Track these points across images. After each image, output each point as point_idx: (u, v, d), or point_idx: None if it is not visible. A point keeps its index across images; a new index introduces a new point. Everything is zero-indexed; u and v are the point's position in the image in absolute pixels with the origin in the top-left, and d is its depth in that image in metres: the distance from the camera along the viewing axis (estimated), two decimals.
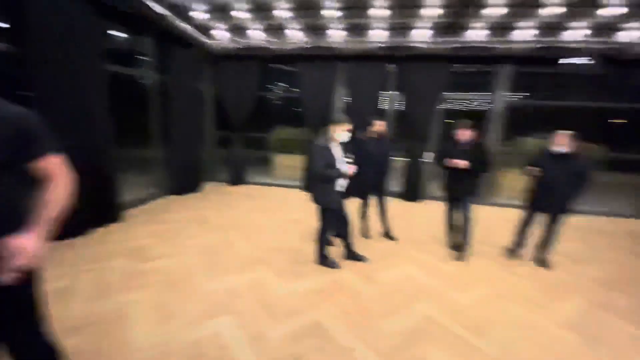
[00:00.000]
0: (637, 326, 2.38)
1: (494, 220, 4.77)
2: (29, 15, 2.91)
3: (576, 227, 4.46)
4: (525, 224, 3.37)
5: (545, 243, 3.29)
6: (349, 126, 2.79)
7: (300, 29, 5.19)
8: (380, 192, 3.74)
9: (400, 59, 5.31)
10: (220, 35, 5.61)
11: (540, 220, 3.27)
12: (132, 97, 5.39)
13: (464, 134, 3.17)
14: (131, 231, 3.73)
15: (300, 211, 4.79)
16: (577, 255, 3.63)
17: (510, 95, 5.44)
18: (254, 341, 2.00)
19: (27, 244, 0.88)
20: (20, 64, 2.99)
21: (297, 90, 5.89)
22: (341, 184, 2.83)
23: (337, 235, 3.23)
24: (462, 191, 3.26)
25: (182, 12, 4.77)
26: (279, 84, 9.55)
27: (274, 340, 2.02)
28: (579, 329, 2.29)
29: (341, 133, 2.76)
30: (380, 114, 4.90)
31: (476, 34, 4.87)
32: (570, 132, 2.99)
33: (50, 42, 3.07)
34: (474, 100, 15.29)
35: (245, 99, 5.95)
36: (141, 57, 4.90)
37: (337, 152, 2.79)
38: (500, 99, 5.40)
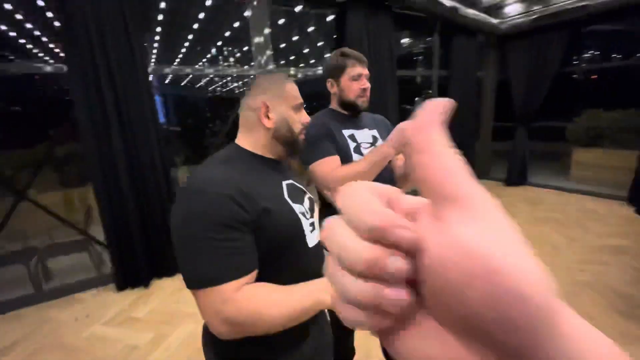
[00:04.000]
0: None
1: None
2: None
3: None
4: None
5: None
6: None
7: None
8: None
9: None
10: (511, 10, 4.78)
11: None
12: (410, 94, 5.78)
13: None
14: None
15: (621, 235, 3.27)
16: None
17: None
18: None
19: None
20: None
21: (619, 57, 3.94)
22: None
23: None
24: None
25: None
26: (591, 53, 6.75)
27: None
28: None
29: None
30: None
31: None
32: None
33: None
34: None
35: (539, 81, 4.78)
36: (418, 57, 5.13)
37: None
38: None
